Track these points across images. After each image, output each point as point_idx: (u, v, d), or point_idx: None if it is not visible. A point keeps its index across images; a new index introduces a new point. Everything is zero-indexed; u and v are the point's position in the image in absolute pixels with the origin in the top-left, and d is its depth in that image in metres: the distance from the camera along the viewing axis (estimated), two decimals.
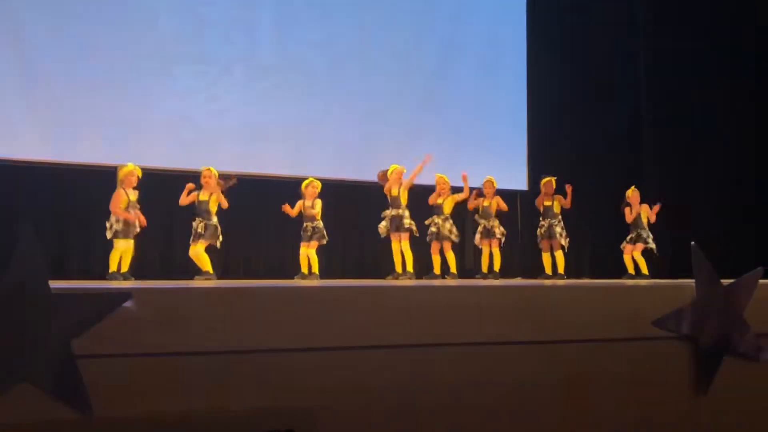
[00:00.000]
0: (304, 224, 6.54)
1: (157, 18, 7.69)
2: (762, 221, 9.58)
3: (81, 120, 7.24)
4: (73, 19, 7.34)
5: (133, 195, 6.05)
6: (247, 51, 8.05)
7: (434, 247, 6.90)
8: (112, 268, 5.95)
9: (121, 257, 6.02)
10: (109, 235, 5.97)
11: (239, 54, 8.00)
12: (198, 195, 6.12)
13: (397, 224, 6.65)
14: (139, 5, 7.61)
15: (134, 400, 1.87)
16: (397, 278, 6.61)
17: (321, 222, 6.55)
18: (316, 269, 6.48)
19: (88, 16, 7.38)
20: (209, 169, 6.19)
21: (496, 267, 7.16)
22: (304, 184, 6.63)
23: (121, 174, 6.03)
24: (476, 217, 7.32)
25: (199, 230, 6.02)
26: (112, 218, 6.00)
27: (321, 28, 8.43)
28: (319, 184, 6.59)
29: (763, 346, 2.58)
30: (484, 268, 7.21)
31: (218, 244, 6.14)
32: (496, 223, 7.24)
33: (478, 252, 7.84)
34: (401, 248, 6.67)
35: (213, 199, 6.14)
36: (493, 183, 7.26)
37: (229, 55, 7.95)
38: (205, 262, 6.02)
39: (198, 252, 6.00)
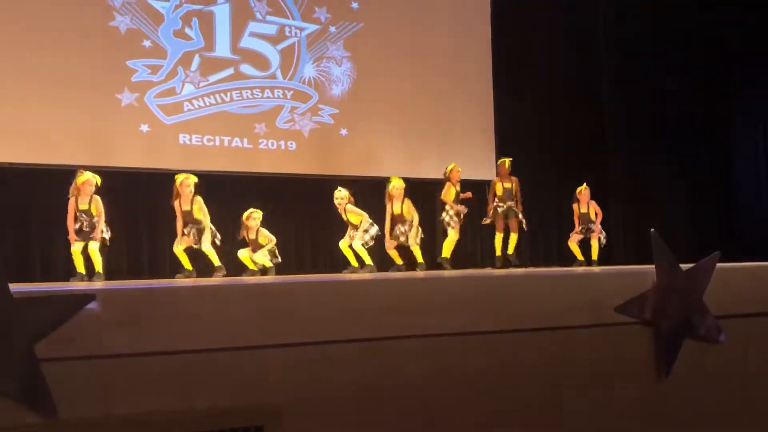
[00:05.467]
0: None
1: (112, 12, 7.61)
2: (716, 207, 9.84)
3: (39, 120, 7.14)
4: (28, 18, 7.22)
5: (85, 204, 5.93)
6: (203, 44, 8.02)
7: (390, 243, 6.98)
8: (78, 270, 5.91)
9: (91, 260, 5.98)
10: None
11: (196, 47, 7.96)
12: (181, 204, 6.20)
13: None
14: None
15: (99, 402, 1.86)
16: (354, 272, 6.67)
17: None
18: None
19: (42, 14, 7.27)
20: (187, 176, 6.24)
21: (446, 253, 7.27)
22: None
23: (78, 182, 5.92)
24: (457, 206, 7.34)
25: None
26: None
27: (278, 21, 8.41)
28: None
29: (721, 328, 2.65)
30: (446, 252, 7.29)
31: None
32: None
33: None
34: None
35: (196, 207, 6.20)
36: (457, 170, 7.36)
37: (185, 48, 7.91)
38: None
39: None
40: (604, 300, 2.55)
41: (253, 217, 6.51)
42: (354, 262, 6.79)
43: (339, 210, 6.82)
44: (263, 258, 6.39)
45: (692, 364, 2.61)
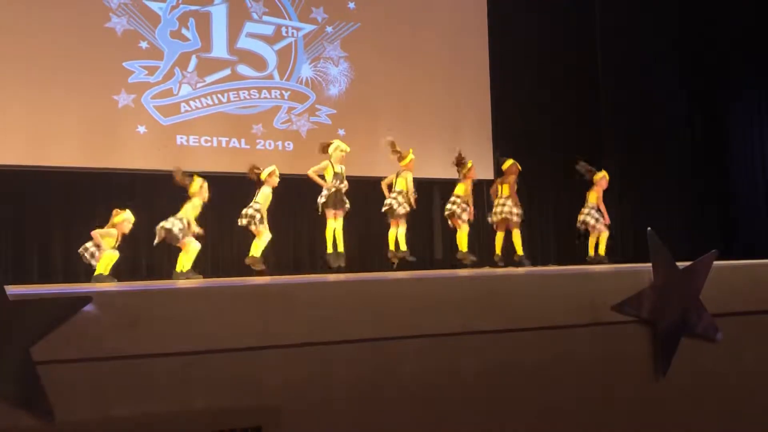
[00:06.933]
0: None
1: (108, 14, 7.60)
2: (713, 206, 9.85)
3: (36, 121, 7.14)
4: (24, 20, 7.22)
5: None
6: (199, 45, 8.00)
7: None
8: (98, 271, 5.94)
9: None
10: (89, 259, 5.95)
11: (192, 48, 7.95)
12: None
13: (337, 201, 6.70)
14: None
15: (97, 405, 1.86)
16: (329, 261, 6.60)
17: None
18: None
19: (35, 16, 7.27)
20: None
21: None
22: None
23: (116, 219, 6.01)
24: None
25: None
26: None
27: (275, 21, 8.41)
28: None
29: (718, 326, 2.65)
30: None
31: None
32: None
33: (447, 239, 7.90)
34: (336, 226, 6.75)
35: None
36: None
37: (182, 49, 7.89)
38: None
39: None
40: (601, 299, 2.55)
41: (277, 174, 6.51)
42: (330, 248, 6.75)
43: (336, 159, 6.76)
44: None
45: (689, 362, 2.61)
